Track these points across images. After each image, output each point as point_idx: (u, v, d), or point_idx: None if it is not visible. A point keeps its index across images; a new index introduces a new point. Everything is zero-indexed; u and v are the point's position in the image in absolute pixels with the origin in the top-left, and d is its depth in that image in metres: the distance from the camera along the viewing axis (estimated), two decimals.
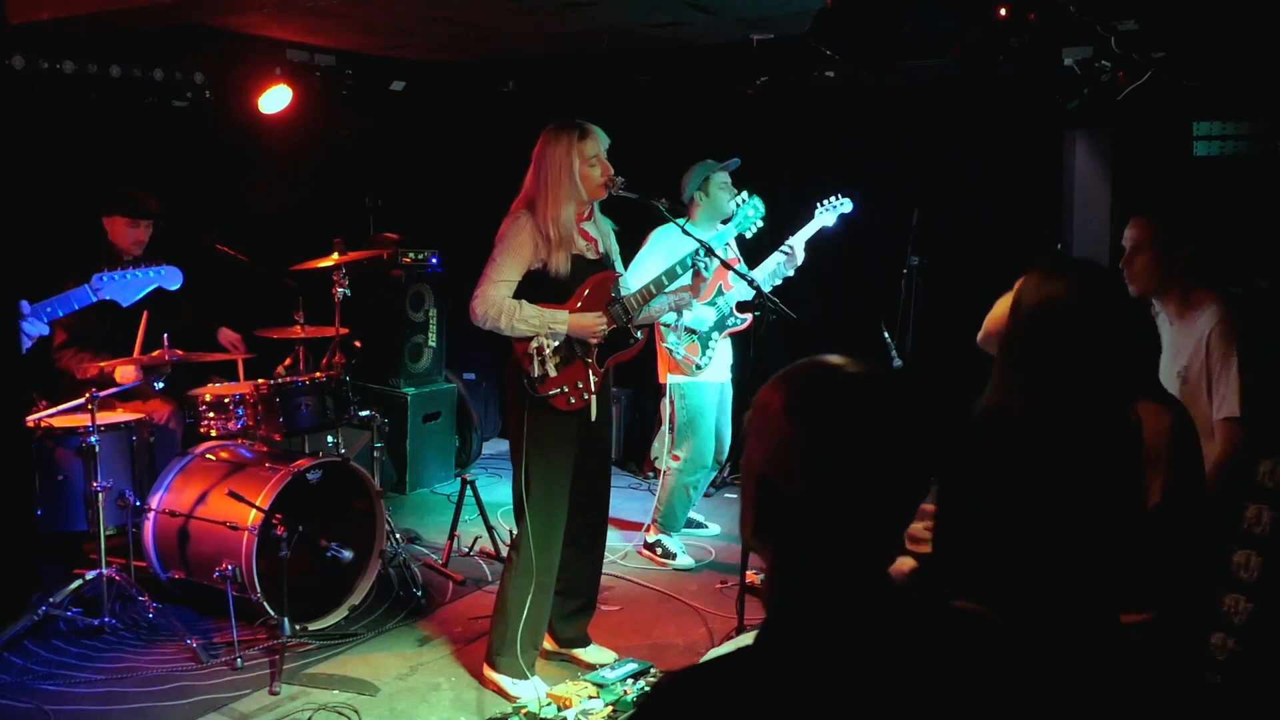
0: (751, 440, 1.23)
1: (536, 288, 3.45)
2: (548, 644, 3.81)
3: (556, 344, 3.44)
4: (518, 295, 3.44)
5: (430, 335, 6.14)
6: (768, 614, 1.22)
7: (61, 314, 3.40)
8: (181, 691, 3.55)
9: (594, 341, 3.52)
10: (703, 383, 4.86)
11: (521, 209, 3.49)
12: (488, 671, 3.61)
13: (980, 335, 2.27)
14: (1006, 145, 5.53)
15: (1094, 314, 2.04)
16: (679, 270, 3.72)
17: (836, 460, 1.15)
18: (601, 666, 3.65)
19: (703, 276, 3.78)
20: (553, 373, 3.43)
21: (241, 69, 5.56)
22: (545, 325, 3.41)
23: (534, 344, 3.41)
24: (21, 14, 4.13)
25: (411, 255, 5.99)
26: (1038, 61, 4.09)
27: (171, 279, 3.67)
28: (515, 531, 3.59)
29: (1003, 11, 3.76)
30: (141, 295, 3.60)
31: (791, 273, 4.84)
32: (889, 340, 5.07)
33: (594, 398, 3.54)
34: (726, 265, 4.02)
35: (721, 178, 4.79)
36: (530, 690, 3.50)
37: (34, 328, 3.36)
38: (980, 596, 1.87)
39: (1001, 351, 2.12)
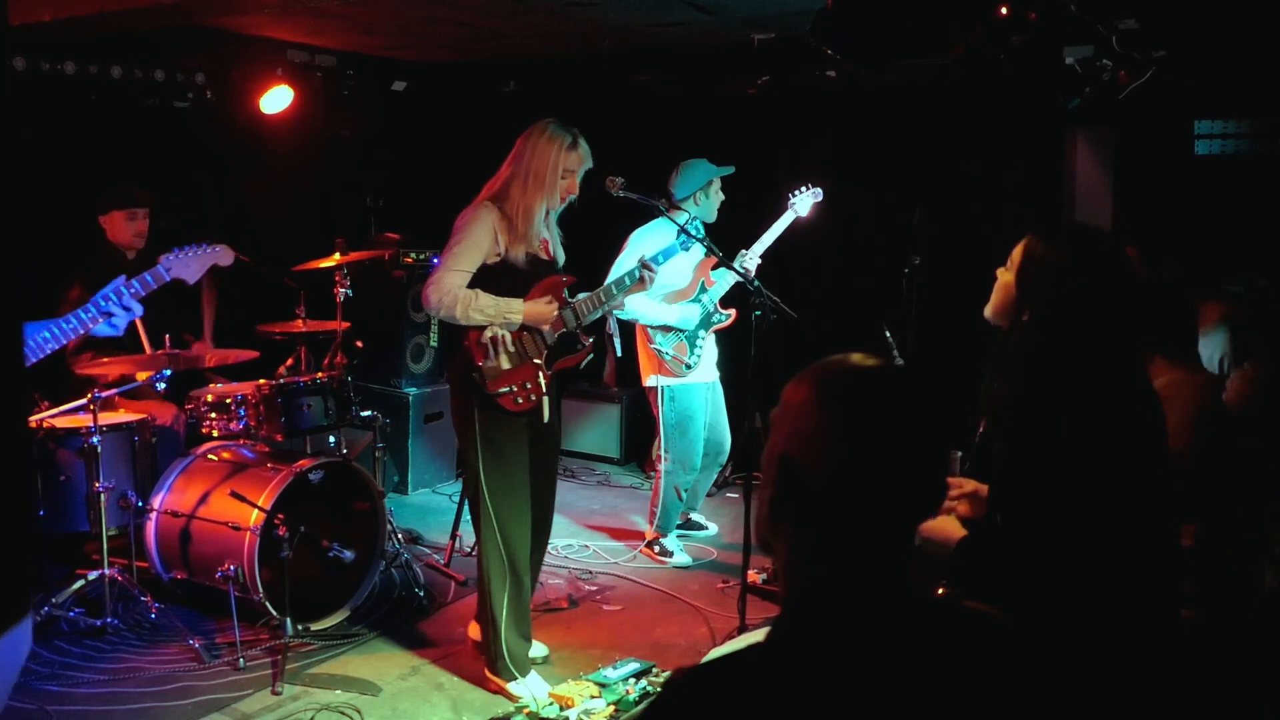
0: (776, 430, 1.26)
1: (491, 282, 3.45)
2: (475, 634, 3.80)
3: (509, 336, 3.46)
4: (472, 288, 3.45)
5: (432, 335, 6.14)
6: (781, 607, 1.23)
7: (144, 293, 3.46)
8: (184, 692, 3.55)
9: (547, 330, 3.52)
10: (692, 384, 4.86)
11: (485, 199, 3.49)
12: (488, 674, 3.62)
13: (990, 310, 2.28)
14: (1008, 144, 5.53)
15: (1111, 272, 2.05)
16: (627, 281, 3.78)
17: (861, 445, 1.19)
18: (538, 658, 3.68)
19: (644, 286, 3.81)
20: (505, 365, 3.44)
21: (242, 70, 5.56)
22: (501, 315, 3.42)
23: (488, 334, 3.41)
24: (22, 15, 4.13)
25: (413, 255, 5.99)
26: (1039, 60, 4.10)
27: (225, 256, 3.72)
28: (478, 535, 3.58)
29: (1004, 10, 3.76)
30: (203, 271, 3.64)
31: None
32: (890, 339, 5.07)
33: (545, 399, 3.54)
34: (734, 271, 4.05)
35: (718, 183, 4.82)
36: (532, 688, 3.50)
37: (127, 315, 3.40)
38: (1021, 586, 1.89)
39: (1019, 322, 2.12)
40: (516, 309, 3.44)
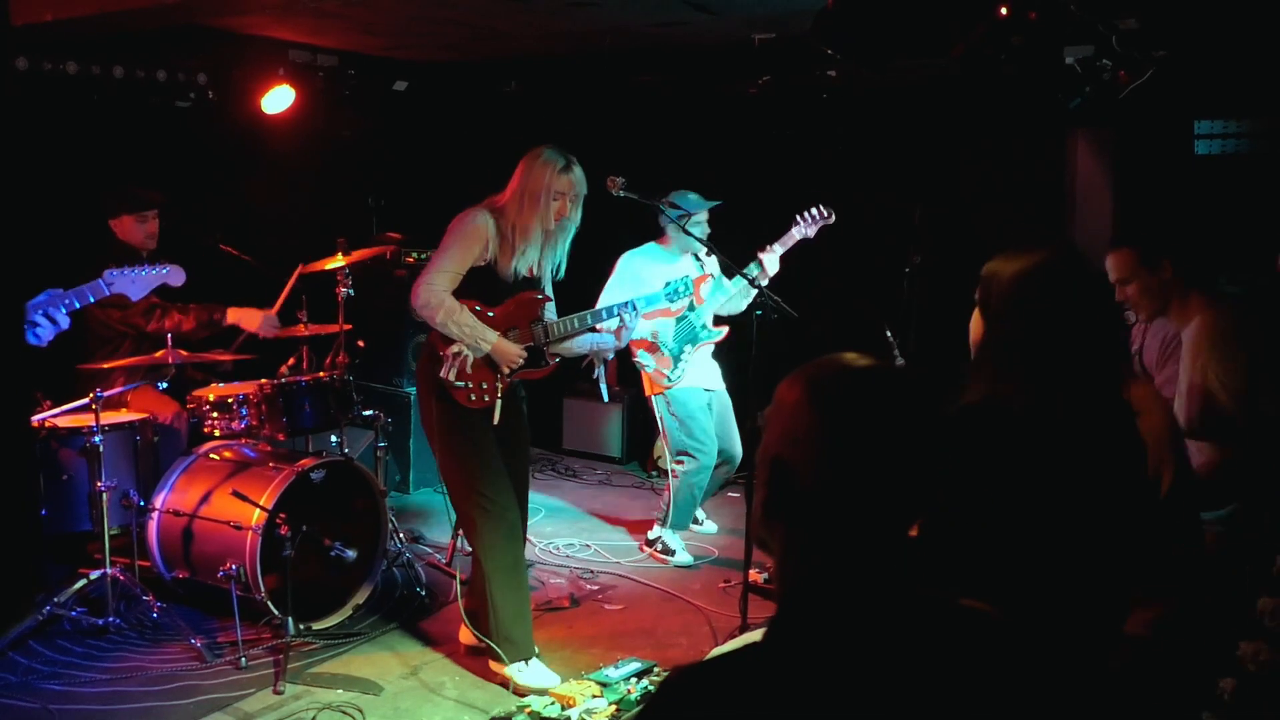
0: (769, 430, 1.26)
1: (472, 283, 3.58)
2: (467, 639, 3.83)
3: (472, 359, 3.57)
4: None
5: None
6: (777, 606, 1.23)
7: (79, 306, 3.42)
8: (186, 691, 3.56)
9: (507, 369, 3.64)
10: (689, 387, 4.87)
11: (485, 207, 3.59)
12: (491, 664, 3.64)
13: (973, 340, 2.25)
14: (1008, 144, 5.53)
15: (1071, 283, 2.00)
16: (604, 316, 3.88)
17: (852, 446, 1.19)
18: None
19: (626, 326, 3.88)
20: (457, 382, 3.56)
21: (244, 70, 5.57)
22: (474, 338, 3.57)
23: (454, 348, 3.54)
24: (25, 15, 4.14)
25: (414, 255, 5.99)
26: (1039, 60, 4.09)
27: (176, 276, 3.73)
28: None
29: (1004, 10, 3.76)
30: (149, 290, 3.65)
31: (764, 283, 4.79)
32: (892, 339, 5.07)
33: (498, 403, 3.63)
34: (743, 276, 4.06)
35: (702, 215, 4.73)
36: (538, 675, 3.54)
37: (52, 327, 3.34)
38: (974, 590, 1.87)
39: (985, 340, 2.10)
40: (490, 339, 3.58)
